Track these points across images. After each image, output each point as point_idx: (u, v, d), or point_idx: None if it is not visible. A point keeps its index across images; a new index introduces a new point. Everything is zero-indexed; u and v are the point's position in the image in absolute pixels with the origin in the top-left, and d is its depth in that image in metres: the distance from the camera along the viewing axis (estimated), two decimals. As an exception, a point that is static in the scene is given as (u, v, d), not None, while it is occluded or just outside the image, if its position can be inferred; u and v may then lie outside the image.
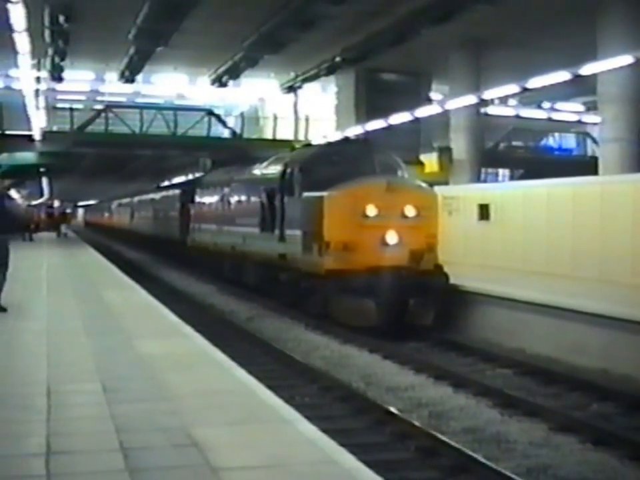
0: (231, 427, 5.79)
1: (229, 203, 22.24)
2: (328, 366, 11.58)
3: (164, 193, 36.34)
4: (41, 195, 66.14)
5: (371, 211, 14.38)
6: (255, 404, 6.48)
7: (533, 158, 40.08)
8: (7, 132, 31.73)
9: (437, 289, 14.38)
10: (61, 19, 22.66)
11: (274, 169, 18.07)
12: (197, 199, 26.58)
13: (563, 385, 10.53)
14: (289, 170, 16.65)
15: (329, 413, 8.91)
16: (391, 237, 14.38)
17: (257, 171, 20.13)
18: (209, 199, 25.08)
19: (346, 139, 21.20)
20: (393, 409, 8.77)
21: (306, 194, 15.49)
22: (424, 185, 16.49)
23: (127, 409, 6.24)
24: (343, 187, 14.62)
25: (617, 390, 10.02)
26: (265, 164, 19.64)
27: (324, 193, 14.66)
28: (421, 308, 14.23)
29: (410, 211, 14.64)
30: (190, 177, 38.83)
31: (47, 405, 6.28)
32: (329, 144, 22.13)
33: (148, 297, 14.59)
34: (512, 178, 41.48)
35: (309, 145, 24.14)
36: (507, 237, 17.90)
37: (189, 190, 28.49)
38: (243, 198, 20.89)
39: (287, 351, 12.48)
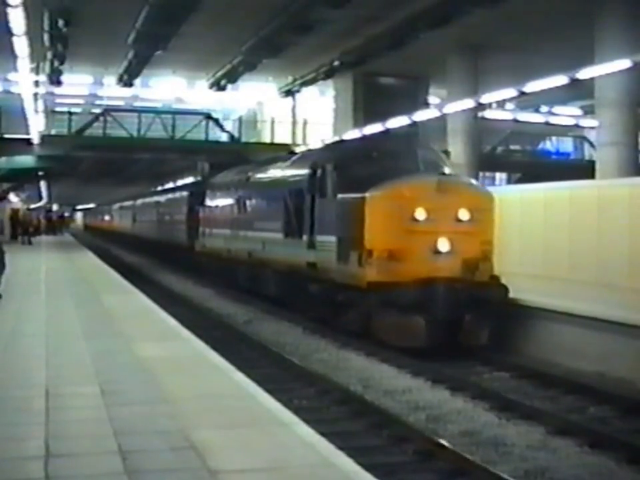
0: (229, 430, 5.81)
1: (246, 205, 20.50)
2: (326, 369, 11.57)
3: (170, 196, 35.28)
4: (40, 199, 66.17)
5: (420, 214, 12.66)
6: (253, 407, 6.50)
7: (531, 162, 40.20)
8: (6, 136, 31.78)
9: (494, 303, 12.76)
10: (60, 22, 22.69)
11: (301, 168, 16.33)
12: (208, 201, 25.01)
13: (560, 388, 10.56)
14: (320, 168, 14.89)
15: (327, 416, 8.93)
16: (443, 244, 12.70)
17: (280, 170, 18.34)
18: (221, 201, 23.44)
19: (385, 133, 19.70)
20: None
21: (342, 195, 13.85)
22: (477, 183, 14.96)
23: (125, 411, 6.26)
24: (386, 186, 12.94)
25: (613, 393, 10.04)
26: (288, 162, 18.07)
27: (365, 194, 12.98)
28: (476, 325, 12.61)
29: (464, 214, 12.92)
30: (191, 179, 38.38)
31: (46, 408, 6.30)
32: (366, 138, 20.41)
33: (147, 300, 14.62)
34: (509, 182, 41.56)
35: (340, 140, 22.43)
36: (503, 240, 17.89)
37: (198, 192, 27.07)
38: (263, 200, 19.15)
39: (285, 354, 12.48)
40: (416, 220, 12.66)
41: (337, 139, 28.10)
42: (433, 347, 12.21)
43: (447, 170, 14.55)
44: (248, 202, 20.40)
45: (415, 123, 28.02)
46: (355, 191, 13.36)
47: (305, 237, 15.24)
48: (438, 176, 13.42)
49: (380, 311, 12.72)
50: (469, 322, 12.51)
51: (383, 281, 12.45)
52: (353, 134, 28.67)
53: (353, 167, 14.22)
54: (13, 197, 52.44)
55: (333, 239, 13.93)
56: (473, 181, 15.21)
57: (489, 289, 12.83)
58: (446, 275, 12.57)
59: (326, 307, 14.53)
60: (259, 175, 20.11)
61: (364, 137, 20.38)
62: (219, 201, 23.82)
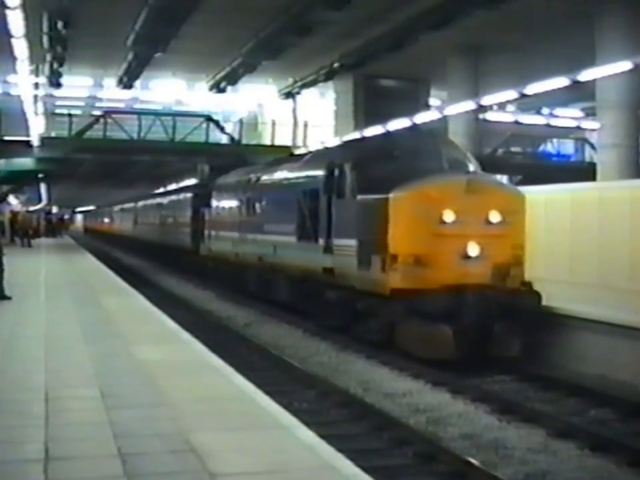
0: (229, 433, 5.80)
1: (255, 207, 19.60)
2: (326, 372, 11.55)
3: (173, 197, 34.72)
4: (40, 201, 66.18)
5: (448, 216, 11.87)
6: (253, 410, 6.48)
7: (531, 164, 40.14)
8: (5, 138, 31.77)
9: (526, 312, 12.03)
10: (59, 24, 22.70)
11: (316, 167, 15.55)
12: (214, 203, 24.23)
13: (561, 391, 10.54)
14: (337, 168, 14.07)
15: (327, 418, 8.90)
16: (473, 249, 11.91)
17: (292, 170, 17.48)
18: (229, 203, 22.52)
19: (407, 129, 18.33)
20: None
21: (362, 196, 13.06)
22: (508, 183, 14.54)
23: (125, 414, 6.24)
24: (412, 186, 12.14)
25: (614, 396, 10.02)
26: (301, 162, 17.31)
27: (389, 195, 12.17)
28: (507, 335, 11.77)
29: (494, 216, 12.14)
30: (194, 180, 38.09)
31: (45, 411, 6.28)
32: (386, 136, 19.68)
33: (146, 302, 14.60)
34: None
35: (359, 138, 21.33)
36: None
37: (203, 193, 26.21)
38: (275, 201, 18.22)
39: (285, 356, 12.46)
40: (444, 222, 11.89)
41: (337, 140, 28.06)
42: (461, 358, 11.50)
43: (472, 168, 13.79)
44: (258, 204, 19.50)
45: (415, 125, 28.07)
46: (375, 192, 12.63)
47: (320, 241, 14.49)
48: (467, 175, 12.77)
49: (404, 320, 11.96)
50: (500, 332, 11.73)
51: (408, 287, 11.70)
52: (353, 136, 28.68)
53: (373, 166, 13.43)
54: (12, 199, 52.46)
55: (352, 242, 13.12)
56: (503, 181, 14.65)
57: (521, 297, 12.14)
58: (475, 281, 11.85)
59: (344, 315, 13.75)
60: (270, 176, 19.15)
61: (383, 134, 19.75)
62: (227, 203, 23.00)
